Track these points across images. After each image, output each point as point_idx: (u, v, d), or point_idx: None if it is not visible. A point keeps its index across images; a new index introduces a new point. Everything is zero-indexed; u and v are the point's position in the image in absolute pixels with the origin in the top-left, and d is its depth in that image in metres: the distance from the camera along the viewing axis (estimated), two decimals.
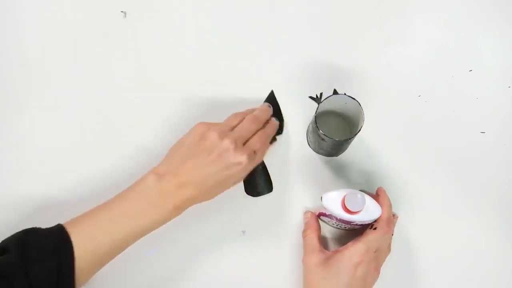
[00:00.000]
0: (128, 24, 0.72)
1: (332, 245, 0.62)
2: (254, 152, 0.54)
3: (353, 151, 0.65)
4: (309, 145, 0.66)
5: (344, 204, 0.54)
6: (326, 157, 0.66)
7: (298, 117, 0.67)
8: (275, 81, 0.69)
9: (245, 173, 0.55)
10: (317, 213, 0.61)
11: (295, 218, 0.62)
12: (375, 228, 0.54)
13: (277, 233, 0.62)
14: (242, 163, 0.52)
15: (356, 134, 0.58)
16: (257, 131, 0.58)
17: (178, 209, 0.52)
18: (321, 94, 0.68)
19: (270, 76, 0.69)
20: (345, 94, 0.60)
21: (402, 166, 0.65)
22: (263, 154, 0.59)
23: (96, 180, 0.63)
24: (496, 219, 0.63)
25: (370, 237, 0.54)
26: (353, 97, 0.58)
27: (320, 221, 0.62)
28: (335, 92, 0.67)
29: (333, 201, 0.56)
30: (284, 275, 0.60)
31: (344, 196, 0.54)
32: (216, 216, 0.62)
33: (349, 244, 0.54)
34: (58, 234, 0.48)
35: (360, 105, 0.57)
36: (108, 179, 0.63)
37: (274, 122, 0.62)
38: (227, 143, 0.52)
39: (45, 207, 0.62)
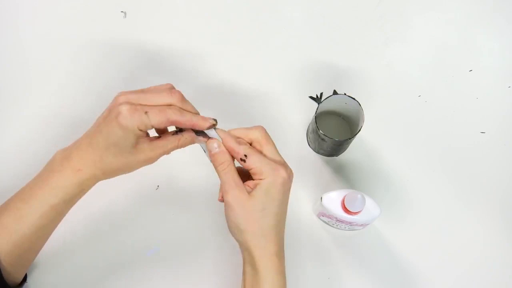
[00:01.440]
0: (128, 24, 0.72)
1: (332, 247, 0.62)
2: (146, 113, 0.47)
3: (353, 151, 0.65)
4: (309, 145, 0.66)
5: (344, 205, 0.54)
6: (326, 157, 0.66)
7: (298, 117, 0.67)
8: (275, 81, 0.69)
9: (125, 125, 0.46)
10: (317, 213, 0.61)
11: (296, 218, 0.62)
12: (246, 156, 0.49)
13: None
14: (120, 112, 0.46)
15: (356, 134, 0.58)
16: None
17: (77, 173, 0.49)
18: (321, 94, 0.68)
19: (270, 76, 0.69)
20: (345, 94, 0.60)
21: (402, 166, 0.65)
22: (159, 121, 0.47)
23: None
24: (496, 218, 0.63)
25: (258, 161, 0.49)
26: (353, 97, 0.58)
27: (319, 221, 0.62)
28: (335, 93, 0.67)
29: (333, 201, 0.56)
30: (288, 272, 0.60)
31: (344, 197, 0.54)
32: (215, 216, 0.62)
33: (262, 171, 0.48)
34: None
35: (360, 105, 0.58)
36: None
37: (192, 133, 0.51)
38: (119, 98, 0.48)
39: None
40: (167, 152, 0.50)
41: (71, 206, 0.50)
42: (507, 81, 0.70)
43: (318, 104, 0.60)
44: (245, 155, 0.48)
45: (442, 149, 0.66)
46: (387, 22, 0.72)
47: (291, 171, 0.50)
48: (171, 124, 0.48)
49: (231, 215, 0.48)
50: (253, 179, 0.49)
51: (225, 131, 0.51)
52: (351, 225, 0.58)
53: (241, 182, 0.49)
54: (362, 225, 0.58)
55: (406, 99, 0.69)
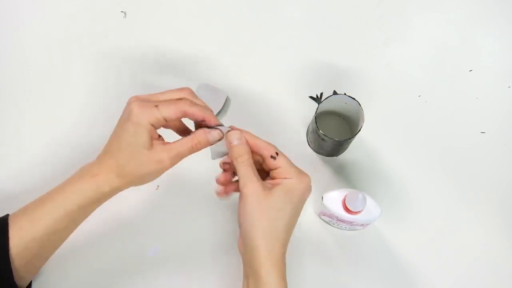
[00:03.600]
0: (128, 24, 0.72)
1: (333, 247, 0.62)
2: (156, 106, 0.47)
3: (353, 151, 0.65)
4: (309, 145, 0.66)
5: (345, 204, 0.54)
6: (326, 157, 0.66)
7: (298, 117, 0.67)
8: (275, 81, 0.69)
9: (136, 121, 0.46)
10: (318, 213, 0.61)
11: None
12: (277, 154, 0.49)
13: None
14: (131, 110, 0.47)
15: (356, 134, 0.58)
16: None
17: (94, 178, 0.48)
18: (321, 94, 0.68)
19: (270, 76, 0.69)
20: (345, 94, 0.60)
21: (402, 166, 0.65)
22: (170, 113, 0.47)
23: None
24: (496, 218, 0.63)
25: (287, 162, 0.49)
26: (353, 97, 0.58)
27: (320, 220, 0.62)
28: (335, 93, 0.67)
29: (334, 201, 0.56)
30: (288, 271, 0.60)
31: (345, 196, 0.54)
32: (216, 216, 0.62)
33: (290, 171, 0.49)
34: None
35: (360, 105, 0.58)
36: None
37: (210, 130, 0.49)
38: (131, 99, 0.48)
39: None
40: (182, 155, 0.49)
41: (86, 214, 0.50)
42: (507, 81, 0.70)
43: (318, 104, 0.60)
44: (276, 153, 0.49)
45: (442, 149, 0.66)
46: (387, 22, 0.72)
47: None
48: (183, 115, 0.48)
49: (247, 208, 0.47)
50: (272, 179, 0.49)
51: (248, 132, 0.50)
52: (352, 224, 0.58)
53: (259, 177, 0.48)
54: (362, 225, 0.58)
55: (406, 99, 0.69)
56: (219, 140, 0.49)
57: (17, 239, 0.47)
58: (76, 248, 0.59)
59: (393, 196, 0.63)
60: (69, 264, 0.59)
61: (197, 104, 0.48)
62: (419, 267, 0.61)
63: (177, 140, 0.49)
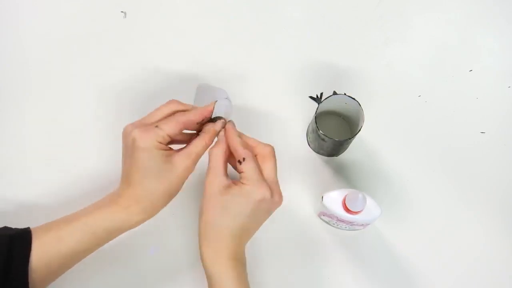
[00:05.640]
0: (128, 24, 0.72)
1: (333, 247, 0.62)
2: (156, 126, 0.48)
3: (353, 151, 0.65)
4: (309, 145, 0.66)
5: (345, 204, 0.54)
6: (326, 157, 0.66)
7: (298, 117, 0.67)
8: (275, 81, 0.69)
9: (144, 146, 0.47)
10: (318, 213, 0.61)
11: (296, 218, 0.62)
12: (243, 159, 0.49)
13: (277, 233, 0.62)
14: (135, 138, 0.47)
15: (356, 134, 0.58)
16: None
17: (126, 210, 0.49)
18: (321, 94, 0.68)
19: (270, 76, 0.69)
20: (345, 94, 0.60)
21: (402, 166, 0.65)
22: (171, 128, 0.49)
23: (93, 181, 0.63)
24: (496, 218, 0.63)
25: (251, 169, 0.49)
26: (353, 97, 0.58)
27: (320, 220, 0.62)
28: (335, 93, 0.67)
29: (334, 201, 0.56)
30: (283, 274, 0.60)
31: (345, 196, 0.54)
32: None
33: (250, 178, 0.49)
34: (21, 230, 0.49)
35: (360, 105, 0.58)
36: (104, 180, 0.63)
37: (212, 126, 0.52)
38: (127, 128, 0.49)
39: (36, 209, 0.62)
40: (200, 154, 0.51)
41: (109, 240, 0.50)
42: (507, 81, 0.70)
43: (318, 104, 0.60)
44: (244, 158, 0.49)
45: (442, 149, 0.66)
46: (387, 22, 0.72)
47: (279, 196, 0.51)
48: (184, 126, 0.50)
49: (203, 198, 0.50)
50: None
51: (236, 131, 0.52)
52: (352, 225, 0.58)
53: (225, 173, 0.50)
54: (362, 225, 0.58)
55: (406, 99, 0.69)
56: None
57: (40, 254, 0.47)
58: None
59: (393, 196, 0.63)
60: None
61: (189, 110, 0.51)
62: (419, 267, 0.61)
63: (191, 143, 0.51)
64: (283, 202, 0.63)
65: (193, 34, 0.71)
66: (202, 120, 0.51)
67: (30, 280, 0.47)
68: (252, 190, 0.48)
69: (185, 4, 0.73)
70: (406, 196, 0.64)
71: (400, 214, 0.63)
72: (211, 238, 0.49)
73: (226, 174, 0.51)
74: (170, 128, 0.48)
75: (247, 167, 0.49)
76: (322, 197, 0.56)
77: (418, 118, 0.68)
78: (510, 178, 0.65)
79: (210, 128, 0.52)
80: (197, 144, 0.51)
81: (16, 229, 0.49)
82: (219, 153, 0.51)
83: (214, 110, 0.52)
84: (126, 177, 0.50)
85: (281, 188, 0.63)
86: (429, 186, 0.64)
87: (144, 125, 0.49)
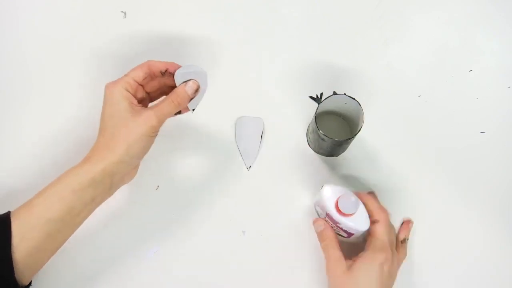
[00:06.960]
0: (128, 24, 0.72)
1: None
2: (125, 75, 0.52)
3: (353, 151, 0.65)
4: (309, 145, 0.66)
5: (337, 203, 0.54)
6: (326, 157, 0.66)
7: (298, 117, 0.67)
8: (275, 81, 0.69)
9: (110, 92, 0.50)
10: (314, 201, 0.61)
11: (295, 218, 0.62)
12: (374, 221, 0.55)
13: (277, 233, 0.62)
14: (106, 86, 0.51)
15: (356, 134, 0.58)
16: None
17: (87, 160, 0.50)
18: (321, 94, 0.68)
19: (270, 76, 0.69)
20: (345, 94, 0.60)
21: (402, 166, 0.65)
22: (138, 73, 0.52)
23: None
24: (496, 218, 0.63)
25: (379, 230, 0.55)
26: (353, 97, 0.58)
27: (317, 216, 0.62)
28: (335, 93, 0.67)
29: (331, 194, 0.56)
30: (284, 274, 0.60)
31: (340, 196, 0.55)
32: (216, 216, 0.62)
33: (367, 247, 0.55)
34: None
35: (360, 105, 0.58)
36: None
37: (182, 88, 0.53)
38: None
39: None
40: (166, 112, 0.51)
41: (83, 204, 0.49)
42: (507, 81, 0.70)
43: (318, 104, 0.60)
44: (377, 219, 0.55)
45: (442, 149, 0.66)
46: (387, 22, 0.72)
47: (393, 254, 0.54)
48: (147, 69, 0.52)
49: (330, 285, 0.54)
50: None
51: (370, 196, 0.58)
52: (337, 226, 0.57)
53: (341, 256, 0.54)
54: (346, 231, 0.57)
55: (406, 99, 0.69)
56: (197, 90, 0.53)
57: (17, 230, 0.47)
58: (76, 248, 0.59)
59: (392, 196, 0.63)
60: (68, 264, 0.59)
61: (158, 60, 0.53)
62: (419, 267, 0.61)
63: (161, 102, 0.52)
64: (282, 202, 0.63)
65: (192, 35, 0.71)
66: (166, 71, 0.53)
67: (14, 261, 0.46)
68: (369, 260, 0.52)
69: (184, 4, 0.73)
70: (406, 196, 0.64)
71: (400, 214, 0.63)
72: None
73: (341, 256, 0.55)
74: (134, 72, 0.51)
75: (378, 230, 0.55)
76: (323, 186, 0.56)
77: (418, 118, 0.68)
78: (510, 178, 0.65)
79: (182, 89, 0.52)
80: (165, 101, 0.52)
81: None
82: (332, 244, 0.56)
83: (183, 70, 0.52)
84: (98, 129, 0.51)
85: (281, 187, 0.64)
86: (429, 186, 0.64)
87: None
